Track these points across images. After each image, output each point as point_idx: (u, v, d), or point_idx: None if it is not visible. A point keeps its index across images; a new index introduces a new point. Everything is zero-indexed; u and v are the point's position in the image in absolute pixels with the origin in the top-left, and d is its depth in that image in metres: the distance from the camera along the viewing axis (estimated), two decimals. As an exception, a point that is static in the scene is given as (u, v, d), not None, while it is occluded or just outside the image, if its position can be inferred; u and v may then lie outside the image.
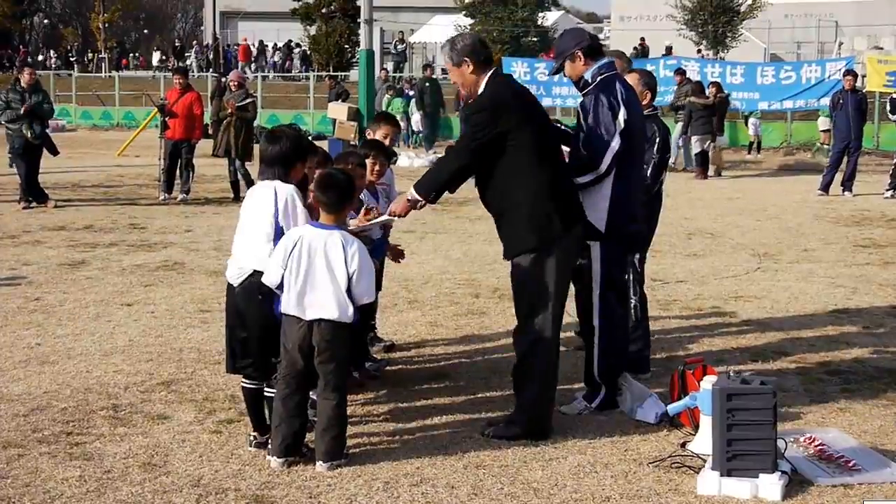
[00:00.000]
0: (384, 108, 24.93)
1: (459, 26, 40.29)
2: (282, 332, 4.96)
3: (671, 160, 16.51)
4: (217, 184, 17.14)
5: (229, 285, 5.19)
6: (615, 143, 5.57)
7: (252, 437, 5.20)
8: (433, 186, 5.48)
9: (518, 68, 24.56)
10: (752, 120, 24.82)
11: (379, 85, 26.73)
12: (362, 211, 5.77)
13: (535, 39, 40.80)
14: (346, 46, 42.35)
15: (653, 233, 6.84)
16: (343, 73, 38.15)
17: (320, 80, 33.92)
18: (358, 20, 24.90)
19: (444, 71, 42.37)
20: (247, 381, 5.21)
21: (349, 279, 4.85)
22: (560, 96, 24.20)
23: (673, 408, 5.40)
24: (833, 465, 4.93)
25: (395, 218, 5.67)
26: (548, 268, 5.33)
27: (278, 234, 4.97)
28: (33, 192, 14.48)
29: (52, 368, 6.60)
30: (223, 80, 22.55)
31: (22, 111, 14.02)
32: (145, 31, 78.19)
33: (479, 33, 38.42)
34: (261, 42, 49.79)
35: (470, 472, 4.91)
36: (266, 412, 5.16)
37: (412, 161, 21.48)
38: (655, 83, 6.82)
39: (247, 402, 5.27)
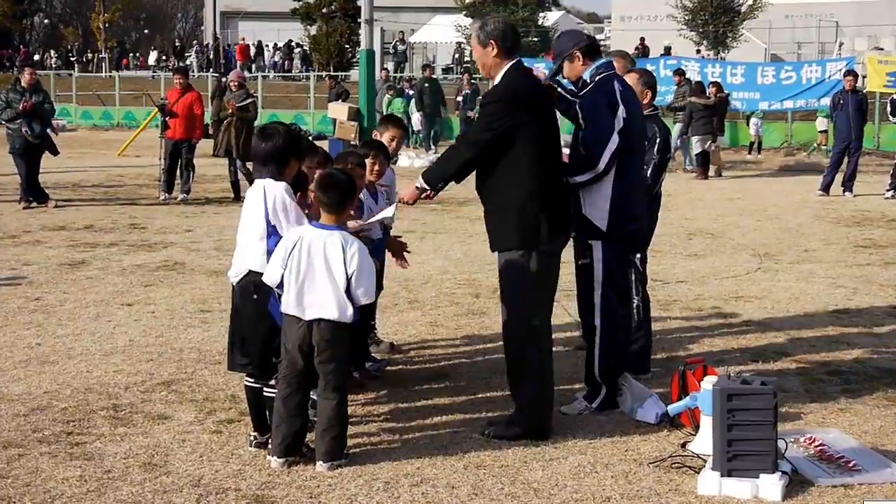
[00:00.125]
0: (385, 109, 24.94)
1: (460, 26, 40.29)
2: (282, 332, 4.97)
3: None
4: (217, 184, 17.14)
5: (232, 284, 5.23)
6: (613, 142, 5.56)
7: (252, 437, 5.20)
8: (441, 177, 5.49)
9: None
10: (753, 120, 24.81)
11: (379, 85, 26.72)
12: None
13: (535, 39, 40.74)
14: (347, 46, 42.37)
15: (652, 232, 6.83)
16: (343, 73, 38.17)
17: (320, 79, 33.93)
18: (358, 20, 24.87)
19: (444, 71, 42.52)
20: (249, 379, 5.23)
21: (348, 280, 4.85)
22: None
23: (673, 408, 5.40)
24: (833, 466, 4.92)
25: (391, 215, 5.70)
26: (531, 267, 5.34)
27: (271, 232, 4.98)
28: (33, 192, 14.48)
29: (53, 368, 6.60)
30: (223, 80, 22.55)
31: (21, 108, 14.02)
32: (146, 30, 78.21)
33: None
34: (259, 42, 49.72)
35: (470, 472, 4.91)
36: (267, 412, 5.17)
37: (412, 161, 21.49)
38: (655, 82, 6.82)
39: (249, 401, 5.27)
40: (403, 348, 7.22)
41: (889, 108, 18.10)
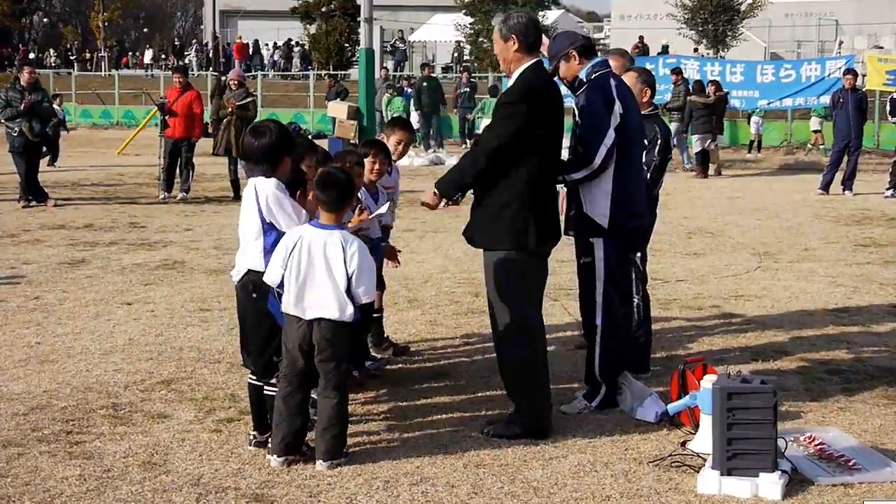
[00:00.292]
0: (384, 107, 24.94)
1: (459, 25, 40.28)
2: (283, 332, 4.97)
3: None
4: (217, 182, 17.14)
5: (234, 283, 5.26)
6: (610, 137, 5.56)
7: (252, 436, 5.20)
8: (457, 186, 5.51)
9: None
10: (754, 118, 24.82)
11: (379, 84, 26.71)
12: (356, 211, 5.75)
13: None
14: (346, 45, 42.39)
15: (651, 230, 6.83)
16: (343, 72, 38.16)
17: (320, 78, 33.94)
18: (358, 19, 24.81)
19: (443, 69, 42.49)
20: (252, 377, 5.23)
21: (348, 279, 4.85)
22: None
23: (673, 407, 5.40)
24: (833, 465, 4.92)
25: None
26: (519, 267, 5.34)
27: (267, 229, 4.98)
28: (33, 191, 14.48)
29: (52, 367, 6.60)
30: (223, 78, 22.54)
31: (21, 107, 14.02)
32: (145, 29, 78.14)
33: (479, 32, 38.54)
34: (255, 41, 49.63)
35: (470, 471, 4.91)
36: (267, 411, 5.17)
37: (412, 160, 21.47)
38: (654, 81, 6.81)
39: (251, 399, 5.27)
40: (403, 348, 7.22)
41: (889, 108, 18.09)
